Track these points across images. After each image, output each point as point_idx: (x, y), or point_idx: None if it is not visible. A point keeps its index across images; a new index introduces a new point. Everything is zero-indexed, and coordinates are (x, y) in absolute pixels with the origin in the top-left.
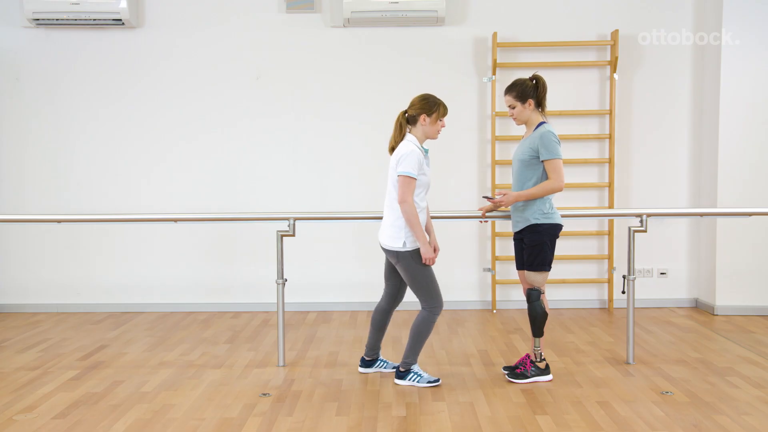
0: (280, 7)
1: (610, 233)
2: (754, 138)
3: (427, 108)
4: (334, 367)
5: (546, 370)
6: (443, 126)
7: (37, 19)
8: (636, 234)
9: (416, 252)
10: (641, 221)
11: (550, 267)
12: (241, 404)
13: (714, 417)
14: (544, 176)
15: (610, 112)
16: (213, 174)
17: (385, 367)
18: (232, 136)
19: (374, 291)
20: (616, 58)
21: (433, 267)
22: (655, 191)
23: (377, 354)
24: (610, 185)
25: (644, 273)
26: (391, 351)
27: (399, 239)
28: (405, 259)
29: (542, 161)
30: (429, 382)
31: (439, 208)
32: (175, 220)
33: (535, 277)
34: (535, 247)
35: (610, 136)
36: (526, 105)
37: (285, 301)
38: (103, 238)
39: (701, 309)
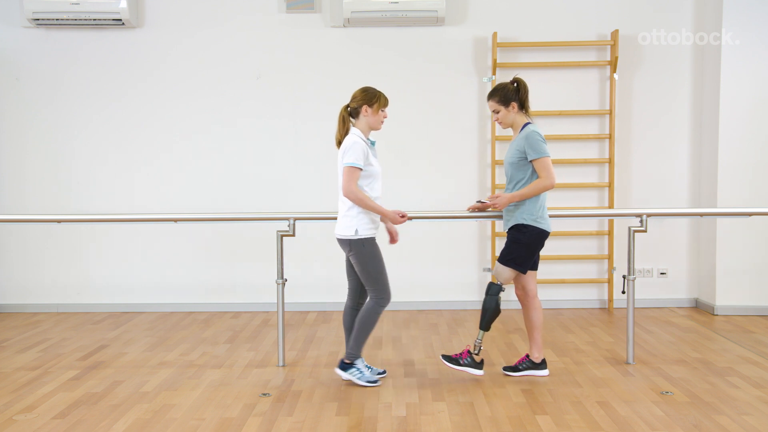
0: (280, 7)
1: (610, 233)
2: (755, 138)
3: (368, 99)
4: (334, 367)
5: (479, 365)
6: (385, 117)
7: (37, 19)
8: (636, 234)
9: (368, 241)
10: (641, 221)
11: (522, 268)
12: (241, 404)
13: (714, 417)
14: (535, 176)
15: (610, 112)
16: (213, 174)
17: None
18: (232, 135)
19: None
20: (616, 58)
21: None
22: (655, 191)
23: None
24: (610, 185)
25: (644, 273)
26: (392, 350)
27: (351, 227)
28: (357, 246)
29: (530, 161)
30: (368, 381)
31: (439, 209)
32: (175, 220)
33: (501, 271)
34: (514, 243)
35: (610, 136)
36: (510, 108)
37: (285, 301)
38: (104, 238)
39: (701, 309)
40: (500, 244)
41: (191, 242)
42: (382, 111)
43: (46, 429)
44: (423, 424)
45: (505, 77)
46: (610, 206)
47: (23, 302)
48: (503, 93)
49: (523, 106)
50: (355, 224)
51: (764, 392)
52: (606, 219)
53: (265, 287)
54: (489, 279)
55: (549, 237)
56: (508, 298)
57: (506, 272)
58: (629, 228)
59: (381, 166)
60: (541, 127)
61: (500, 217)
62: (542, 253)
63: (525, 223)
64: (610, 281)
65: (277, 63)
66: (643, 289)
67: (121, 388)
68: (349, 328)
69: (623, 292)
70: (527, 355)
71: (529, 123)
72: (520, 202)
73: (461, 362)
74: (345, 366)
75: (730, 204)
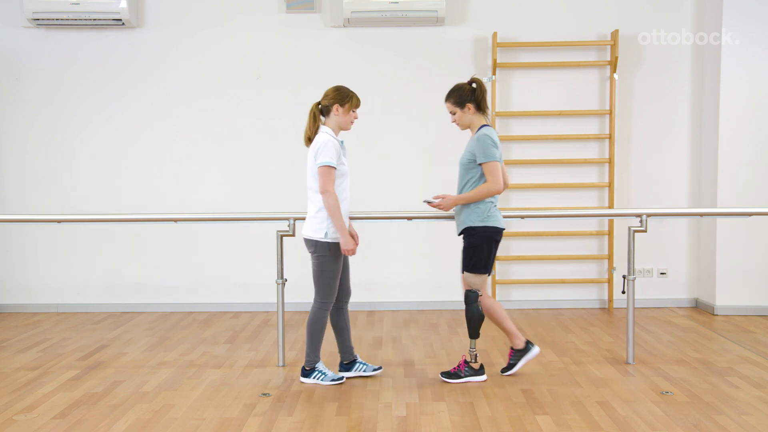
0: (280, 7)
1: (610, 233)
2: (754, 138)
3: (340, 98)
4: (334, 367)
5: (480, 371)
6: (356, 117)
7: (37, 19)
8: (636, 234)
9: (335, 245)
10: (641, 221)
11: (486, 270)
12: (241, 404)
13: (714, 417)
14: (484, 179)
15: (610, 112)
16: (213, 174)
17: (364, 371)
18: (232, 135)
19: (374, 291)
20: (616, 58)
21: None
22: (655, 191)
23: (353, 355)
24: (610, 185)
25: (644, 273)
26: (392, 350)
27: (321, 230)
28: (322, 249)
29: (479, 164)
30: (333, 380)
31: None
32: (175, 220)
33: (470, 279)
34: (469, 249)
35: (610, 136)
36: (466, 110)
37: (285, 301)
38: (104, 238)
39: (701, 309)
40: (500, 244)
41: (191, 242)
42: (353, 111)
43: (46, 429)
44: (423, 424)
45: (505, 77)
46: (610, 206)
47: (23, 302)
48: (458, 94)
49: (480, 107)
50: (325, 227)
51: (764, 392)
52: (606, 219)
53: (265, 287)
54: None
55: (548, 237)
56: (509, 297)
57: (474, 278)
58: (629, 228)
59: (349, 166)
60: (542, 127)
61: (451, 217)
62: (543, 253)
63: (474, 225)
64: (610, 281)
65: (277, 63)
66: (643, 289)
67: (121, 388)
68: (335, 328)
69: (623, 292)
70: (512, 348)
71: (485, 125)
72: (466, 204)
73: (462, 375)
74: (306, 372)
75: (730, 204)
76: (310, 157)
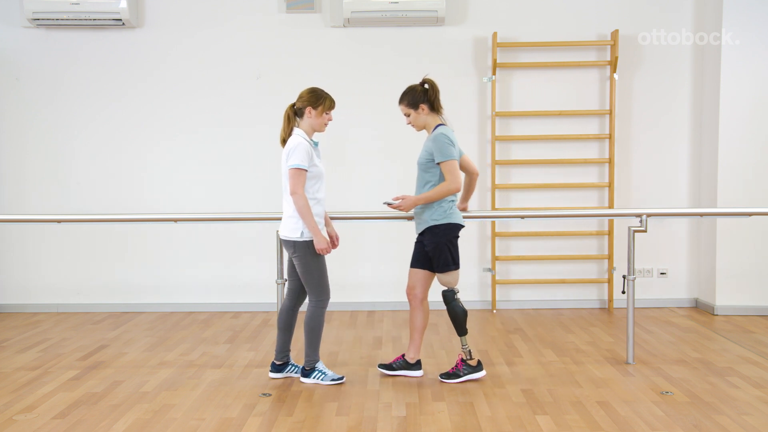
0: (280, 7)
1: (610, 233)
2: (755, 138)
3: (314, 101)
4: (334, 367)
5: (478, 367)
6: (330, 119)
7: (37, 19)
8: (636, 234)
9: (312, 243)
10: (641, 221)
11: (457, 266)
12: (241, 404)
13: (714, 417)
14: (443, 178)
15: (610, 112)
16: (213, 174)
17: (296, 372)
18: (232, 135)
19: (374, 291)
20: (616, 58)
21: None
22: (655, 191)
23: (288, 357)
24: (610, 185)
25: (644, 273)
26: (392, 350)
27: (297, 230)
28: (301, 249)
29: (437, 163)
30: (333, 379)
31: None
32: (175, 220)
33: (444, 278)
34: (435, 248)
35: (610, 136)
36: (420, 111)
37: None
38: (104, 238)
39: (701, 309)
40: (500, 244)
41: (191, 242)
42: (327, 114)
43: (46, 429)
44: (423, 424)
45: (505, 77)
46: (610, 206)
47: (23, 302)
48: (411, 96)
49: (433, 107)
50: (300, 226)
51: (764, 392)
52: (606, 219)
53: (265, 287)
54: (489, 279)
55: (548, 237)
56: (509, 297)
57: (448, 277)
58: (629, 228)
59: (324, 166)
60: (542, 127)
61: (412, 218)
62: (543, 253)
63: (437, 223)
64: (610, 281)
65: (277, 63)
66: (643, 289)
67: (121, 388)
68: (283, 328)
69: (623, 292)
70: (403, 355)
71: (441, 125)
72: (427, 204)
73: (461, 373)
74: (306, 373)
75: (730, 204)
76: (283, 159)
